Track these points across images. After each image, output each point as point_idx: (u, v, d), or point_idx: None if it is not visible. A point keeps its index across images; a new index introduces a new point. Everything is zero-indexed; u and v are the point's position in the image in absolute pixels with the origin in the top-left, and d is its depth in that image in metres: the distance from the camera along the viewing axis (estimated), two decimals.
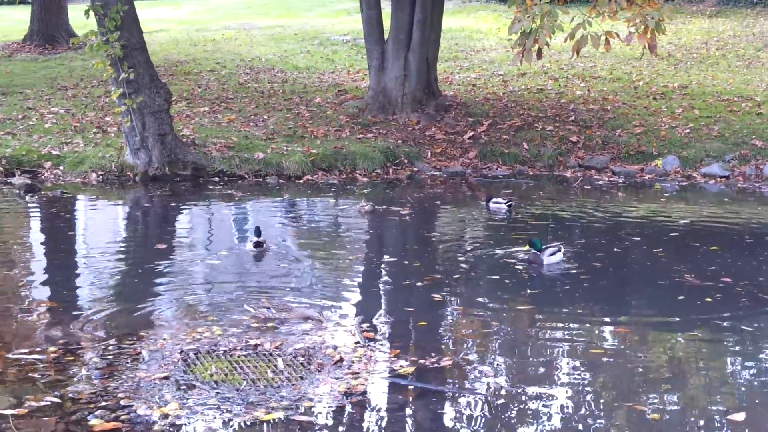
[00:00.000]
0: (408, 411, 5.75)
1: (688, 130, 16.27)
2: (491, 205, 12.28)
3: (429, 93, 17.72)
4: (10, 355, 6.49)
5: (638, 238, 10.71)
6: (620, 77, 20.36)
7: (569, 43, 11.01)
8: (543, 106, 18.06)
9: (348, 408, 5.70)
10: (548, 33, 10.73)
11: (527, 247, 9.20)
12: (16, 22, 27.69)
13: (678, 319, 7.69)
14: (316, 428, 5.43)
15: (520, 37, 11.04)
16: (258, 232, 9.81)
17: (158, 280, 8.87)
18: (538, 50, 10.98)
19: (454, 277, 8.81)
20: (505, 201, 12.22)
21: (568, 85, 20.01)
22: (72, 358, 6.53)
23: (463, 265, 9.32)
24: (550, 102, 18.47)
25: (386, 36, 17.69)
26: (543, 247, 9.17)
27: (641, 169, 15.18)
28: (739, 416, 5.63)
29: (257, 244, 9.79)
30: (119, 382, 6.04)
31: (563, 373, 6.41)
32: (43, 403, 5.67)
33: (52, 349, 6.64)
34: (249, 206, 12.57)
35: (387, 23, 17.76)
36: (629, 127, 16.61)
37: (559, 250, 9.25)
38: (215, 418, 5.50)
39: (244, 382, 6.01)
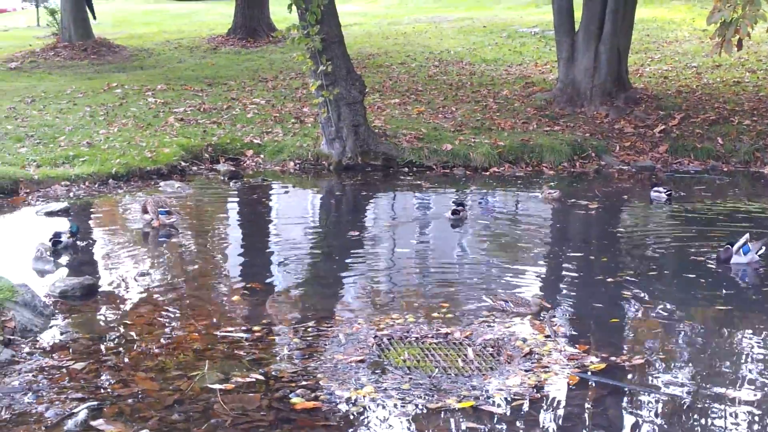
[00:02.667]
0: (597, 408, 5.75)
1: None
2: (652, 193, 12.37)
3: (619, 85, 17.44)
4: (217, 333, 6.92)
5: None
6: None
7: None
8: (739, 99, 17.39)
9: (538, 402, 5.76)
10: (750, 23, 10.37)
11: (746, 244, 8.91)
12: (221, 16, 29.23)
13: None
14: (506, 420, 5.53)
15: (720, 28, 10.71)
16: (460, 203, 10.98)
17: (352, 266, 9.21)
18: (738, 41, 10.62)
19: (644, 273, 8.70)
20: (665, 190, 12.26)
21: (767, 77, 19.12)
22: (274, 337, 6.89)
23: (653, 262, 9.18)
24: (748, 95, 17.75)
25: (576, 27, 17.52)
26: (737, 246, 8.91)
27: None
28: None
29: (454, 212, 10.85)
30: (318, 362, 6.32)
31: (753, 378, 6.22)
32: (248, 380, 5.99)
33: (256, 328, 7.02)
34: (433, 198, 12.79)
35: (577, 14, 17.57)
36: None
37: (750, 250, 8.88)
38: (408, 402, 5.68)
39: (436, 370, 6.19)
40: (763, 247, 9.06)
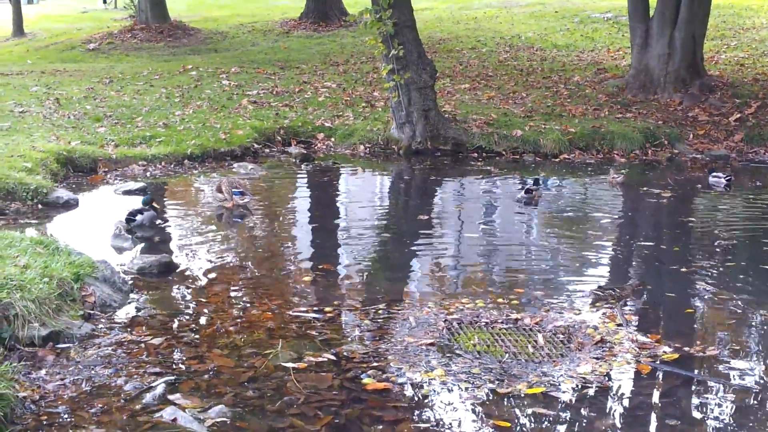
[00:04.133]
0: (668, 398, 5.72)
1: None
2: (711, 179, 12.30)
3: (693, 72, 17.16)
4: (290, 313, 7.04)
5: None
6: None
7: None
8: None
9: (610, 390, 5.76)
10: None
11: None
12: (293, 0, 29.41)
13: None
14: (575, 407, 5.53)
15: None
16: (536, 182, 11.41)
17: (421, 250, 9.28)
18: None
19: (717, 264, 8.59)
20: (725, 176, 12.21)
21: None
22: (345, 318, 6.99)
23: (727, 252, 9.05)
24: None
25: (651, 13, 17.27)
26: None
27: None
28: None
29: (528, 191, 11.14)
30: (389, 344, 6.39)
31: None
32: (320, 359, 6.09)
33: (327, 309, 7.12)
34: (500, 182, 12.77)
35: (652, 1, 17.32)
36: None
37: None
38: (478, 386, 5.72)
39: (506, 355, 6.23)
40: None
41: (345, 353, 6.24)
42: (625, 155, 14.42)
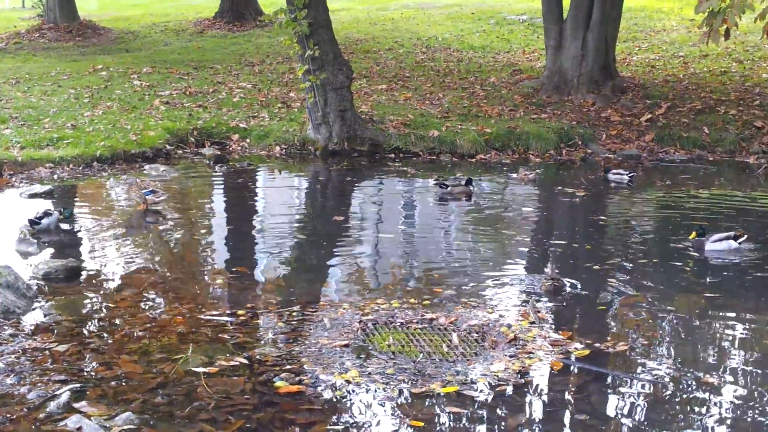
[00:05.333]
0: (580, 394, 5.77)
1: None
2: (610, 175, 12.62)
3: (606, 73, 17.44)
4: (202, 316, 6.90)
5: None
6: None
7: (758, 24, 10.58)
8: (726, 89, 17.43)
9: (522, 387, 5.77)
10: (738, 13, 10.36)
11: (693, 235, 9.06)
12: None
13: None
14: (490, 405, 5.53)
15: (708, 17, 10.70)
16: (469, 181, 11.55)
17: (336, 251, 9.21)
18: (726, 31, 10.62)
19: (629, 262, 8.72)
20: (626, 172, 12.55)
21: (753, 67, 19.20)
22: (259, 321, 6.87)
23: (638, 251, 9.20)
24: (734, 85, 17.79)
25: (565, 15, 17.51)
26: (708, 233, 9.00)
27: None
28: None
29: (443, 185, 11.32)
30: (303, 347, 6.31)
31: (737, 365, 6.24)
32: (232, 363, 5.97)
33: (240, 312, 6.99)
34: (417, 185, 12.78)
35: (565, 2, 17.57)
36: None
37: (729, 239, 8.97)
38: (393, 387, 5.68)
39: (421, 355, 6.20)
40: (744, 236, 9.11)
41: (258, 356, 6.15)
42: (540, 155, 14.59)
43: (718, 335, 6.88)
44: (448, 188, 11.48)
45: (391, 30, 24.15)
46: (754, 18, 10.65)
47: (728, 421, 5.42)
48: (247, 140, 14.55)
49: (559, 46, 17.43)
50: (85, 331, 6.60)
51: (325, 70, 13.73)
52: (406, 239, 9.82)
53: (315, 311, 7.08)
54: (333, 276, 8.41)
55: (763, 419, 5.44)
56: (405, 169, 13.46)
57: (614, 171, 12.86)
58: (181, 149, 14.07)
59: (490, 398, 5.62)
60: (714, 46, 18.44)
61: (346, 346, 6.32)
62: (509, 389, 5.73)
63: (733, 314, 7.33)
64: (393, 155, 14.23)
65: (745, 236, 9.13)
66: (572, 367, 6.11)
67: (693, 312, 7.39)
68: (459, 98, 16.91)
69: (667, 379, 5.96)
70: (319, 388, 5.69)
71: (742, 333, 6.93)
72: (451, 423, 5.35)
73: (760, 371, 6.19)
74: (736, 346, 6.67)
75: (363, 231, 10.13)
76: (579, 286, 7.89)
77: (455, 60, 20.52)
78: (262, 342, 6.47)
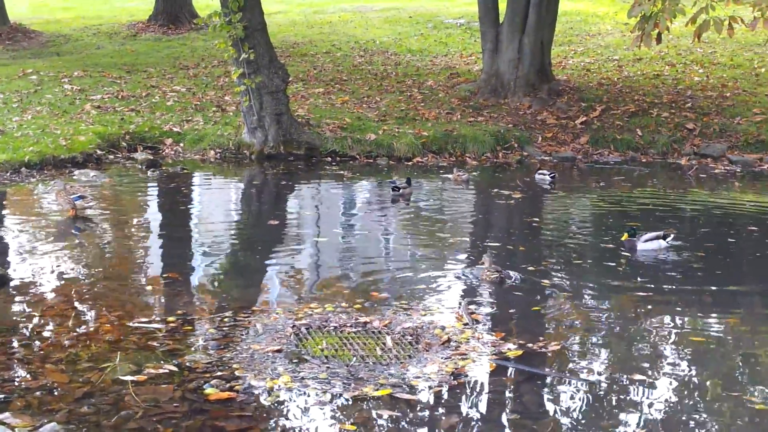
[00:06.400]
0: (514, 394, 5.79)
1: None
2: (536, 176, 12.95)
3: (542, 77, 17.58)
4: (131, 324, 6.76)
5: (755, 228, 10.45)
6: (741, 64, 19.75)
7: (689, 28, 10.75)
8: (659, 92, 17.69)
9: (455, 388, 5.76)
10: (669, 17, 10.51)
11: (626, 236, 9.17)
12: (142, 1, 28.65)
13: None
14: (424, 407, 5.52)
15: (640, 21, 10.84)
16: (408, 181, 11.67)
17: (271, 256, 9.12)
18: (657, 35, 10.77)
19: (563, 262, 8.78)
20: (549, 173, 12.85)
21: (685, 71, 19.53)
22: (189, 328, 6.76)
23: (572, 251, 9.28)
24: (667, 88, 18.07)
25: (501, 19, 17.61)
26: (639, 234, 9.12)
27: (760, 159, 14.76)
28: None
29: (395, 188, 11.48)
30: (234, 353, 6.22)
31: (669, 362, 6.34)
32: (161, 371, 5.87)
33: (170, 319, 6.88)
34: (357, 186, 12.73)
35: (502, 6, 17.67)
36: (749, 115, 16.14)
37: (658, 238, 9.11)
38: (325, 391, 5.63)
39: (354, 359, 6.15)
40: (671, 236, 9.24)
41: (188, 363, 6.05)
42: (476, 158, 14.64)
43: (650, 333, 6.94)
44: (400, 190, 11.53)
45: (329, 33, 24.07)
46: (686, 22, 10.80)
47: (661, 418, 5.46)
48: (181, 144, 14.34)
49: (495, 49, 17.53)
50: (11, 341, 6.41)
51: (260, 74, 13.60)
52: (342, 243, 9.76)
53: (248, 317, 6.99)
54: (267, 281, 8.31)
55: (696, 414, 5.49)
56: (342, 172, 13.39)
57: (540, 172, 13.16)
58: (113, 154, 13.80)
59: (423, 400, 5.59)
60: (647, 50, 18.76)
61: (279, 351, 6.25)
62: (442, 391, 5.72)
63: (665, 312, 7.43)
64: (329, 159, 14.15)
65: (672, 235, 9.27)
66: (506, 368, 6.10)
67: (626, 311, 7.45)
68: (396, 101, 16.90)
69: (600, 378, 5.99)
70: (249, 395, 5.61)
71: (674, 330, 7.01)
72: (385, 426, 5.31)
73: (691, 367, 6.27)
74: (669, 343, 6.75)
75: (298, 235, 10.04)
76: (520, 278, 7.94)
77: (393, 63, 20.53)
78: (193, 349, 6.37)
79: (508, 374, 6.06)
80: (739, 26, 10.74)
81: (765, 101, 16.87)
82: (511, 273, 8.10)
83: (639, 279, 8.43)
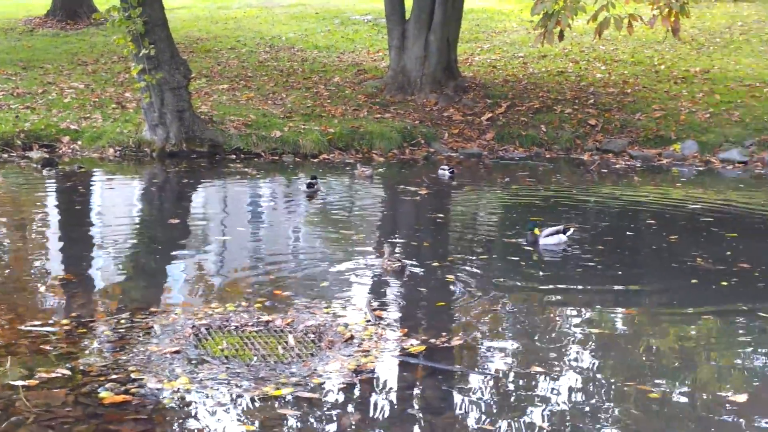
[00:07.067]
0: (417, 390, 5.74)
1: (708, 115, 16.16)
2: (439, 171, 13.15)
3: (448, 74, 17.67)
4: (23, 327, 6.51)
5: (653, 222, 10.66)
6: (642, 60, 20.22)
7: (591, 26, 10.90)
8: (562, 89, 17.97)
9: (357, 385, 5.69)
10: (571, 14, 10.63)
11: (537, 231, 9.23)
12: None
13: (691, 303, 7.64)
14: (325, 405, 5.43)
15: (542, 19, 10.94)
16: (313, 177, 11.61)
17: (172, 256, 8.93)
18: (559, 32, 10.87)
19: (467, 257, 8.78)
20: (448, 168, 13.05)
21: (588, 68, 19.89)
22: (84, 330, 6.54)
23: (477, 246, 9.31)
24: (570, 84, 18.37)
25: (408, 15, 17.63)
26: (541, 229, 9.20)
27: (659, 154, 15.12)
28: (741, 398, 5.61)
29: (309, 185, 11.37)
30: (130, 355, 6.03)
31: (572, 355, 6.38)
32: (54, 375, 5.66)
33: (65, 321, 6.65)
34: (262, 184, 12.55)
35: (409, 3, 17.69)
36: (649, 111, 16.51)
37: (559, 233, 9.22)
38: (224, 393, 5.49)
39: (255, 358, 6.02)
40: (572, 230, 9.36)
41: (81, 367, 5.85)
42: (383, 154, 14.63)
43: (553, 327, 6.98)
44: (314, 186, 11.50)
45: (234, 29, 23.76)
46: (587, 20, 10.96)
47: (565, 409, 5.47)
48: (79, 142, 13.95)
49: (402, 46, 17.54)
50: None
51: (161, 70, 13.31)
52: (245, 241, 9.60)
53: (145, 318, 6.79)
54: (166, 281, 8.12)
55: (599, 404, 5.52)
56: (246, 170, 13.20)
57: (441, 167, 13.29)
58: (7, 153, 13.36)
59: (324, 398, 5.49)
60: (552, 47, 19.04)
61: (177, 352, 6.07)
62: (345, 389, 5.62)
63: (567, 305, 7.50)
64: (234, 156, 13.94)
65: (572, 230, 9.39)
66: (409, 364, 6.05)
67: (529, 305, 7.49)
68: (302, 98, 16.76)
69: (504, 371, 5.99)
70: (146, 398, 5.42)
71: (576, 323, 7.06)
72: (285, 425, 5.19)
73: (595, 360, 6.31)
74: (571, 336, 6.79)
75: (200, 234, 9.84)
76: (420, 272, 7.94)
77: (299, 60, 20.36)
78: (87, 352, 6.15)
79: (412, 370, 6.00)
80: (638, 24, 10.94)
81: (664, 97, 17.29)
82: (408, 262, 8.20)
83: (541, 273, 8.50)
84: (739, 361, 6.41)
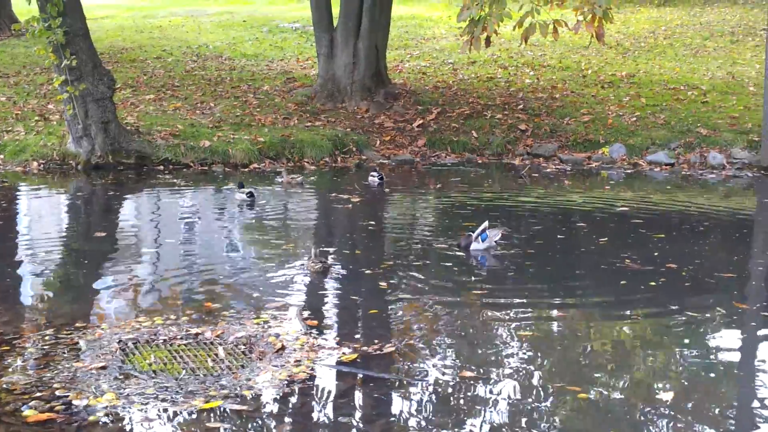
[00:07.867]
0: (351, 398, 5.67)
1: (634, 119, 16.41)
2: (369, 177, 13.11)
3: (378, 81, 17.65)
4: None
5: (583, 224, 10.76)
6: (569, 66, 20.48)
7: (519, 32, 10.97)
8: (492, 95, 18.09)
9: (289, 396, 5.60)
10: (496, 21, 10.69)
11: (484, 231, 9.21)
12: None
13: (621, 303, 7.70)
14: (256, 417, 5.32)
15: (469, 25, 10.99)
16: (241, 185, 11.67)
17: (98, 269, 8.73)
18: (486, 38, 10.93)
19: (401, 264, 8.73)
20: (377, 174, 13.05)
21: (517, 73, 20.07)
22: (7, 348, 6.34)
23: (410, 253, 9.26)
24: (500, 90, 18.50)
25: (336, 23, 17.57)
26: (476, 233, 9.19)
27: (588, 157, 15.29)
28: (673, 396, 5.67)
29: (250, 194, 11.45)
30: (55, 372, 5.87)
31: (508, 359, 6.37)
32: None
33: None
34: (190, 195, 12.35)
35: (336, 10, 17.63)
36: (577, 115, 16.70)
37: (485, 230, 9.19)
38: (152, 407, 5.36)
39: (184, 371, 5.88)
40: (500, 234, 9.38)
41: (4, 385, 5.67)
42: (315, 163, 14.54)
43: (488, 331, 6.97)
44: (253, 196, 11.46)
45: (159, 38, 23.44)
46: (514, 26, 11.03)
47: (503, 415, 5.45)
48: (1, 156, 13.58)
49: (330, 54, 17.47)
50: None
51: (84, 81, 13.04)
52: (174, 253, 9.42)
53: (70, 333, 6.60)
54: (92, 296, 7.91)
55: (536, 406, 5.51)
56: (175, 181, 12.99)
57: (371, 174, 13.23)
58: None
59: (254, 410, 5.38)
60: (480, 54, 19.17)
61: (104, 368, 5.91)
62: (274, 399, 5.54)
63: (502, 309, 7.48)
64: (162, 167, 13.70)
65: (499, 232, 9.40)
66: (342, 372, 5.98)
67: (463, 310, 7.47)
68: (231, 107, 16.58)
69: (440, 378, 5.94)
70: (71, 415, 5.27)
71: (511, 327, 7.06)
72: None
73: (530, 363, 6.30)
74: (506, 340, 6.78)
75: (127, 247, 9.63)
76: (353, 279, 7.87)
77: (227, 68, 20.16)
78: (11, 369, 5.96)
79: (345, 379, 5.93)
80: (563, 29, 11.06)
81: (592, 102, 17.52)
82: (332, 260, 8.32)
83: (473, 278, 8.50)
84: (670, 360, 6.47)
